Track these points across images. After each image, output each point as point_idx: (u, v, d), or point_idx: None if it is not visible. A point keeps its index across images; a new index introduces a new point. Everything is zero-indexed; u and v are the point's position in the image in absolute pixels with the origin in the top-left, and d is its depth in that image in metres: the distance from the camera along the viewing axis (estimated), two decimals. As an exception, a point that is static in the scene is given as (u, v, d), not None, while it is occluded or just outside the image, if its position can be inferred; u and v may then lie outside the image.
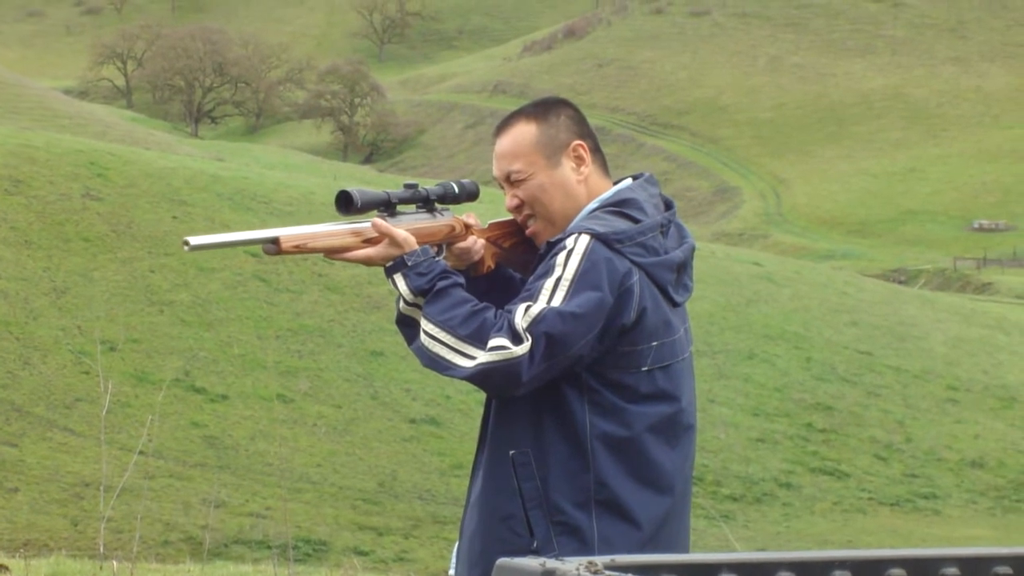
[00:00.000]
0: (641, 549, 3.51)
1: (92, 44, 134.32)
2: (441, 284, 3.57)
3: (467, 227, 3.81)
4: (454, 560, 3.88)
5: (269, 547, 17.86)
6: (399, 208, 3.70)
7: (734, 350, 31.26)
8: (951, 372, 33.16)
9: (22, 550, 16.05)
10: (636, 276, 3.56)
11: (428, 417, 23.99)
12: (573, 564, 2.23)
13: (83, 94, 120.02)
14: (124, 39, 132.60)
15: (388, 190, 3.69)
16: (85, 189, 29.82)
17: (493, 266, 3.80)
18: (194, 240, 3.39)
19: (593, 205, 3.73)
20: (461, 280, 3.63)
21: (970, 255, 78.92)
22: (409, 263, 3.59)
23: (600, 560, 2.25)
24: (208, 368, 24.50)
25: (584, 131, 3.83)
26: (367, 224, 3.63)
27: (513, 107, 3.98)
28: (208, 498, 19.65)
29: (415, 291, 3.58)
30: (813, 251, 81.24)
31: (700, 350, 30.33)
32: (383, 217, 3.65)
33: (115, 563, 10.62)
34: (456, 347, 3.51)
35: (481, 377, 3.49)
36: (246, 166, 48.24)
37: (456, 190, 3.83)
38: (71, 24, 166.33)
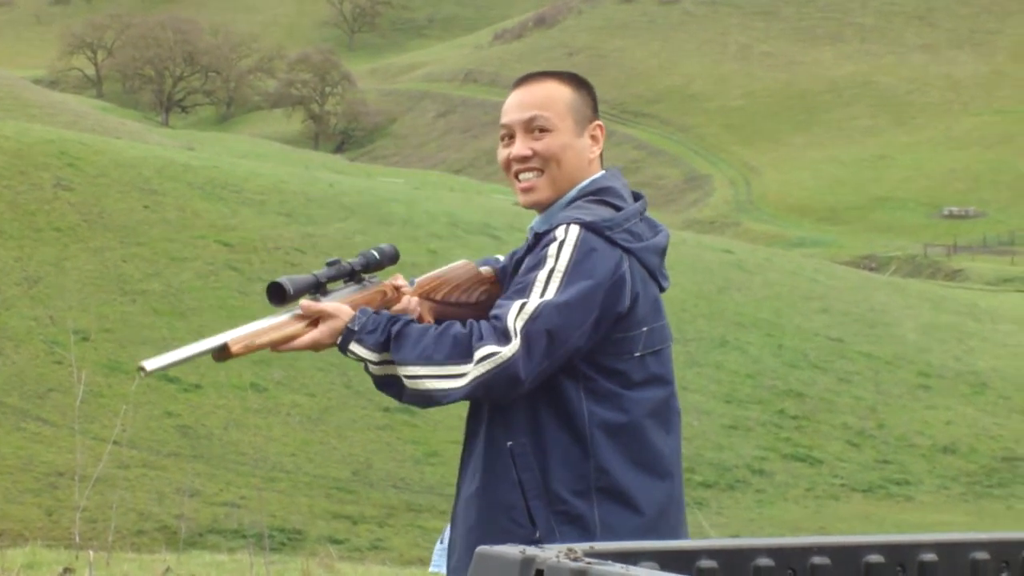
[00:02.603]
0: (644, 535, 3.50)
1: (62, 34, 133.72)
2: (395, 328, 3.52)
3: (397, 289, 3.76)
4: (436, 558, 3.85)
5: (244, 536, 17.86)
6: (329, 287, 3.66)
7: (706, 338, 31.32)
8: (922, 358, 33.28)
9: (-4, 540, 16.01)
10: (627, 262, 3.57)
11: (402, 406, 23.98)
12: (553, 551, 2.23)
13: (53, 84, 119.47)
14: (94, 29, 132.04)
15: (315, 272, 3.62)
16: (56, 179, 29.73)
17: (433, 320, 3.76)
18: (150, 364, 3.39)
19: (573, 193, 3.72)
20: (412, 318, 3.59)
21: (940, 242, 79.13)
22: (356, 327, 3.53)
23: (579, 547, 2.26)
24: (181, 358, 24.43)
25: (598, 115, 3.88)
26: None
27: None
28: (182, 488, 19.63)
29: (375, 348, 3.51)
30: (784, 238, 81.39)
31: (672, 338, 30.37)
32: (314, 298, 3.61)
33: (91, 553, 10.62)
34: (441, 373, 3.46)
35: (482, 390, 3.45)
36: (217, 155, 48.14)
37: (377, 256, 3.76)
38: (40, 13, 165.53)
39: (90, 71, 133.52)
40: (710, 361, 30.15)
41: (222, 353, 3.46)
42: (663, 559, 2.37)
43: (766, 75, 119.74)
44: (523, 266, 3.60)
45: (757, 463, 26.15)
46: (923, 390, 31.37)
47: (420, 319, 3.74)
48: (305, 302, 3.55)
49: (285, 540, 18.70)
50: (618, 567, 2.16)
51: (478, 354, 3.43)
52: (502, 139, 3.82)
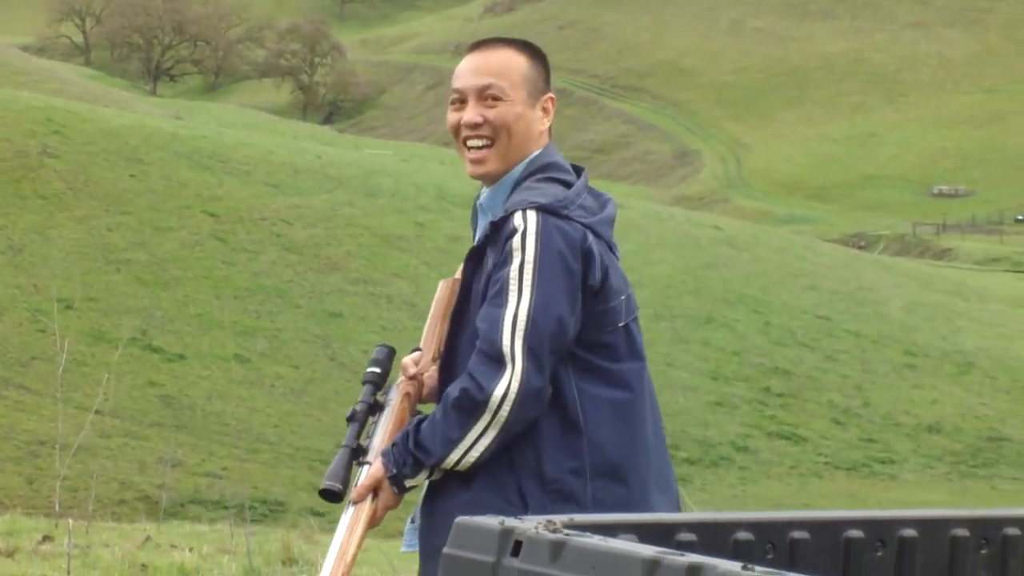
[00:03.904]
0: (637, 509, 3.50)
1: (50, 1, 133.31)
2: (411, 444, 3.52)
3: (413, 378, 3.73)
4: (408, 537, 3.78)
5: (225, 507, 17.80)
6: (362, 441, 3.65)
7: (693, 314, 31.31)
8: (909, 337, 33.29)
9: (-24, 509, 15.94)
10: (590, 236, 3.55)
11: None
12: (532, 523, 2.20)
13: (41, 51, 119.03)
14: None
15: (344, 443, 3.61)
16: (42, 146, 29.61)
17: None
18: None
19: (519, 170, 3.69)
20: (420, 419, 3.57)
21: (929, 220, 79.28)
22: (394, 471, 3.54)
23: (559, 519, 2.23)
24: (165, 327, 24.40)
25: (550, 88, 3.82)
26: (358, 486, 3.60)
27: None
28: (164, 458, 19.56)
29: (417, 470, 3.53)
30: (773, 215, 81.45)
31: (659, 314, 30.37)
32: (360, 465, 3.60)
33: (71, 521, 10.56)
34: (471, 442, 3.48)
35: (518, 425, 3.47)
36: (204, 125, 48.03)
37: (379, 372, 3.72)
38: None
39: (78, 39, 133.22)
40: (696, 338, 30.13)
41: None
42: (642, 532, 2.36)
43: (758, 50, 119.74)
44: (488, 262, 3.56)
45: (741, 440, 26.15)
46: (909, 369, 31.40)
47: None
48: (354, 493, 3.57)
49: (266, 512, 18.65)
50: (596, 539, 2.15)
51: (492, 401, 3.45)
52: (452, 103, 3.78)
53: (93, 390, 20.96)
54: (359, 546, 3.55)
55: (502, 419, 3.45)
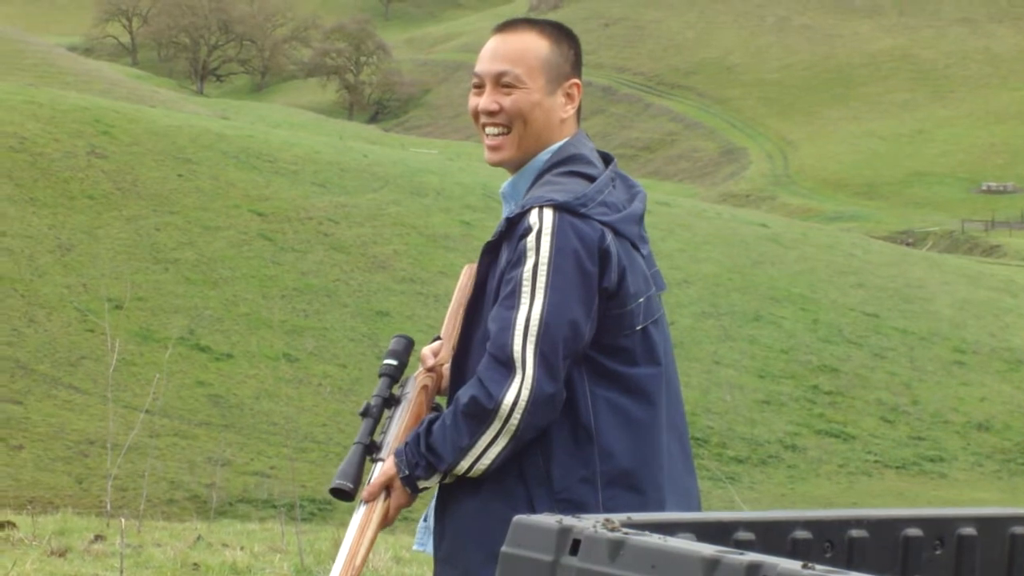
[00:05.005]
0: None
1: (97, 1, 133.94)
2: (423, 448, 3.45)
3: (431, 370, 3.65)
4: (420, 535, 3.75)
5: (274, 506, 17.86)
6: (376, 437, 3.57)
7: (740, 312, 31.21)
8: (958, 334, 33.11)
9: (28, 507, 16.04)
10: (609, 236, 3.45)
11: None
12: (590, 521, 2.20)
13: (88, 51, 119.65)
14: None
15: (356, 440, 3.54)
16: (90, 147, 29.76)
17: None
18: None
19: (542, 160, 3.60)
20: (432, 417, 3.50)
21: (978, 217, 78.78)
22: (406, 472, 3.47)
23: (617, 518, 2.22)
24: (213, 327, 24.49)
25: (579, 72, 3.71)
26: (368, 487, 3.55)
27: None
28: (213, 457, 19.64)
29: (430, 473, 3.47)
30: (820, 213, 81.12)
31: (706, 312, 30.30)
32: (373, 461, 3.54)
33: (122, 520, 10.60)
34: (482, 449, 3.41)
35: (530, 432, 3.40)
36: (251, 124, 48.18)
37: (396, 364, 3.65)
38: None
39: (125, 39, 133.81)
40: (743, 335, 30.04)
41: None
42: (700, 530, 2.36)
43: (803, 48, 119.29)
44: (502, 259, 3.49)
45: (790, 438, 26.06)
46: (958, 366, 31.22)
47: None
48: (365, 492, 3.51)
49: (315, 510, 18.69)
50: (656, 537, 2.14)
51: (502, 410, 3.38)
52: (473, 87, 3.70)
53: (142, 390, 21.07)
54: (370, 547, 3.48)
55: (513, 427, 3.37)
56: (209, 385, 22.70)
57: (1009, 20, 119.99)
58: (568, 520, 2.22)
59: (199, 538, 11.71)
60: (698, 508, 3.67)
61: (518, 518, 2.28)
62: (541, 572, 2.21)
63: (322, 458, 20.98)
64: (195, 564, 9.89)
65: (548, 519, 2.24)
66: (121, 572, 8.90)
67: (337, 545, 10.95)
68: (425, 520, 3.70)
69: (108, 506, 13.78)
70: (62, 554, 10.07)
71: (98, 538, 11.06)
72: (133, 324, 23.65)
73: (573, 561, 2.17)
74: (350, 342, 25.25)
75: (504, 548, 2.27)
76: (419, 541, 3.73)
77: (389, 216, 30.95)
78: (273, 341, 24.41)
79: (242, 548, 10.94)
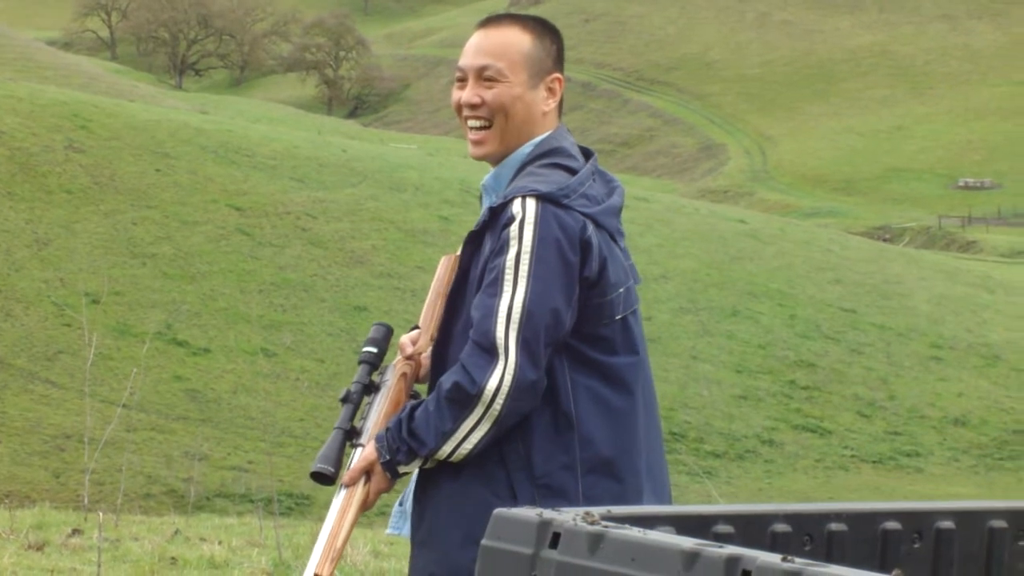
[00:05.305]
0: (631, 504, 3.45)
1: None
2: (404, 433, 3.47)
3: (410, 359, 3.68)
4: (395, 519, 3.76)
5: (252, 500, 17.83)
6: (356, 423, 3.60)
7: (718, 307, 31.25)
8: (935, 330, 33.19)
9: (5, 501, 16.01)
10: (590, 227, 3.49)
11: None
12: (570, 514, 2.19)
13: (67, 45, 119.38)
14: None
15: (336, 425, 3.58)
16: (68, 141, 29.67)
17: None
18: None
19: (524, 152, 3.63)
20: (414, 404, 3.53)
21: (955, 213, 78.99)
22: (387, 457, 3.49)
23: (596, 511, 2.22)
24: (190, 321, 24.44)
25: (562, 67, 3.75)
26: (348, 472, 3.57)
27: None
28: (190, 451, 19.61)
29: (411, 458, 3.49)
30: (798, 208, 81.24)
31: (684, 307, 30.32)
32: (352, 447, 3.57)
33: (100, 514, 10.58)
34: (464, 434, 3.44)
35: (512, 418, 3.43)
36: (230, 119, 48.07)
37: (375, 352, 3.69)
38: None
39: (104, 33, 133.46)
40: (721, 331, 30.08)
41: None
42: (679, 524, 2.37)
43: (784, 44, 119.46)
44: (485, 248, 3.52)
45: (767, 433, 26.11)
46: (935, 362, 31.30)
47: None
48: (346, 476, 3.54)
49: (293, 505, 18.68)
50: (636, 531, 2.15)
51: (485, 395, 3.41)
52: (457, 80, 3.75)
53: (119, 384, 21.02)
54: (351, 530, 3.53)
55: (495, 412, 3.41)
56: (186, 380, 22.66)
57: (988, 16, 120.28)
58: (548, 513, 2.22)
59: (177, 532, 11.69)
60: (669, 499, 3.70)
61: (498, 511, 2.28)
62: (521, 565, 2.21)
63: (299, 452, 20.96)
64: (173, 558, 9.87)
65: (528, 512, 2.24)
66: (99, 566, 8.88)
67: (315, 538, 10.96)
68: (400, 504, 3.72)
69: (85, 500, 13.74)
70: (40, 548, 10.05)
71: (76, 532, 11.04)
72: (110, 318, 23.59)
73: (553, 554, 2.18)
74: (328, 337, 25.22)
75: (484, 541, 2.27)
76: (393, 524, 3.75)
77: (367, 211, 30.92)
78: (251, 336, 24.37)
79: (220, 542, 10.92)
